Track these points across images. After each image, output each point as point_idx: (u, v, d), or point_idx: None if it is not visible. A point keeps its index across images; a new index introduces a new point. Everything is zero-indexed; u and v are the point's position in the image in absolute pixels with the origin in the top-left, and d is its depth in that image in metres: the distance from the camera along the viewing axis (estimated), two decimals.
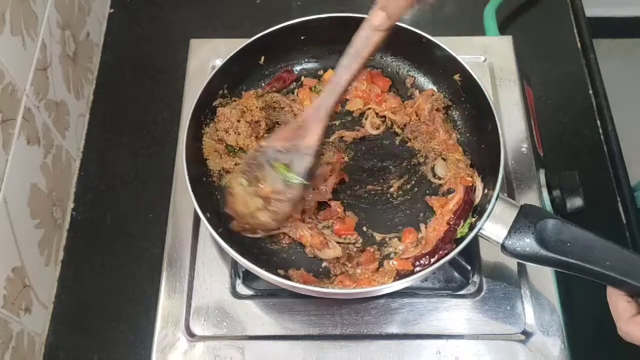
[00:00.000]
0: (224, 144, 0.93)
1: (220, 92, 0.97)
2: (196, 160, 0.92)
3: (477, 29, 1.23)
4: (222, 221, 0.89)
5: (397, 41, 0.98)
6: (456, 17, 1.30)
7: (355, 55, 0.75)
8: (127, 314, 0.99)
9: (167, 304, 0.89)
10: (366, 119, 0.98)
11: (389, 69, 1.03)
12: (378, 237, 0.90)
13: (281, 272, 0.86)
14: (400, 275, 0.84)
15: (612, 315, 0.73)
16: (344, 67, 0.76)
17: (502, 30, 1.22)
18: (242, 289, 0.92)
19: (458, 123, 0.98)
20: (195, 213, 0.86)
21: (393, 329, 0.87)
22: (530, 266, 0.90)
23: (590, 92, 1.20)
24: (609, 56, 1.54)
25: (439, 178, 0.93)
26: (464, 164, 0.92)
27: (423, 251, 0.84)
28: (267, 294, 0.91)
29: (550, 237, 0.76)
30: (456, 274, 0.94)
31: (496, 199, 0.81)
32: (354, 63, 0.76)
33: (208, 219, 0.83)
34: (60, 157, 1.05)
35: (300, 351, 0.86)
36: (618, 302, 0.72)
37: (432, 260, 0.82)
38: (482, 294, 0.89)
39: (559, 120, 1.17)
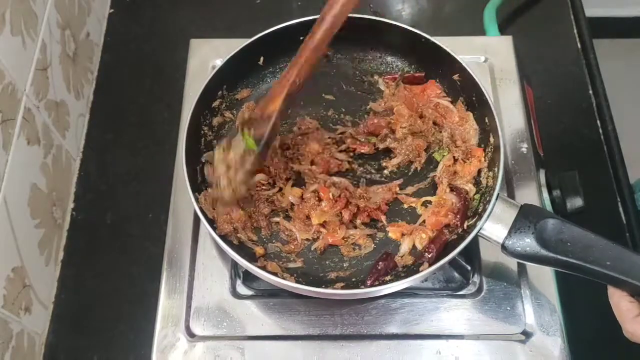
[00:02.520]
0: None
1: (220, 92, 0.97)
2: (196, 161, 0.92)
3: (477, 29, 1.23)
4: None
5: (396, 41, 0.99)
6: (456, 17, 1.30)
7: (317, 32, 0.79)
8: (127, 314, 0.99)
9: (167, 304, 0.89)
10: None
11: (389, 69, 1.03)
12: None
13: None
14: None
15: (612, 315, 0.73)
16: (305, 44, 0.79)
17: (502, 30, 1.22)
18: (242, 289, 0.91)
19: None
20: (195, 213, 0.86)
21: (393, 329, 0.87)
22: (530, 266, 0.90)
23: (590, 92, 1.20)
24: (609, 56, 1.54)
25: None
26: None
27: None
28: (267, 294, 0.91)
29: (550, 236, 0.76)
30: (456, 274, 0.94)
31: (496, 199, 0.81)
32: (313, 39, 0.79)
33: (208, 219, 0.83)
34: (60, 157, 1.05)
35: (300, 351, 0.86)
36: (620, 302, 0.71)
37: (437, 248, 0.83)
38: (482, 294, 0.89)
39: (559, 120, 1.17)
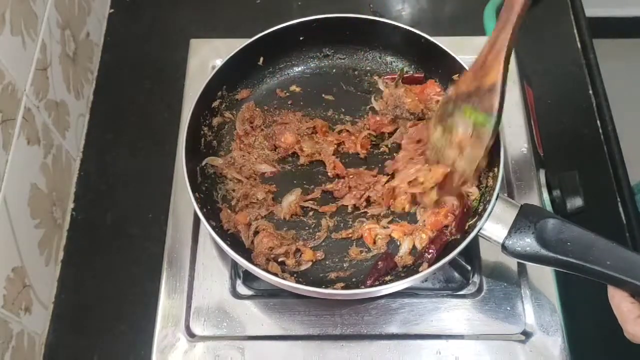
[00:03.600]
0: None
1: (220, 92, 0.97)
2: (196, 161, 0.92)
3: (477, 29, 1.23)
4: (220, 221, 0.89)
5: (396, 41, 0.99)
6: (456, 17, 1.30)
7: None
8: (127, 314, 0.99)
9: (167, 304, 0.89)
10: None
11: (388, 69, 1.03)
12: None
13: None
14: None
15: (612, 315, 0.73)
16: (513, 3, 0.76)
17: None
18: (242, 289, 0.91)
19: None
20: (195, 213, 0.86)
21: (393, 329, 0.87)
22: (531, 266, 0.90)
23: (590, 92, 1.20)
24: (609, 56, 1.54)
25: None
26: None
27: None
28: (267, 294, 0.91)
29: (550, 236, 0.76)
30: (456, 274, 0.94)
31: (496, 199, 0.81)
32: None
33: (207, 219, 0.83)
34: (60, 157, 1.05)
35: (300, 351, 0.86)
36: (621, 303, 0.71)
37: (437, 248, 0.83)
38: (482, 294, 0.89)
39: (559, 120, 1.17)
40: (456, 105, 0.80)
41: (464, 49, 1.04)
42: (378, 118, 0.96)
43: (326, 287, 0.83)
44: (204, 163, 0.93)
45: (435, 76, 0.99)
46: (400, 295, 0.88)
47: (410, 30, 0.96)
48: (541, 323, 0.87)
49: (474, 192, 0.88)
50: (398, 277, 0.83)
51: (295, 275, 0.85)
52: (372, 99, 1.00)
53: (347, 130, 0.97)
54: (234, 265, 0.92)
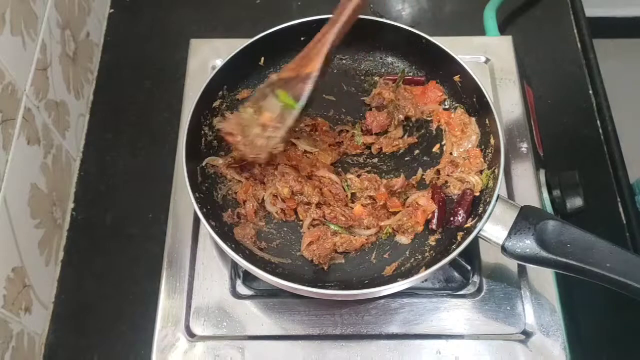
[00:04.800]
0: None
1: (220, 92, 0.97)
2: (196, 161, 0.92)
3: (477, 29, 1.23)
4: (221, 221, 0.89)
5: (397, 42, 0.99)
6: (456, 17, 1.30)
7: None
8: (127, 314, 0.99)
9: (167, 304, 0.89)
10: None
11: (389, 70, 1.03)
12: None
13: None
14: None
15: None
16: (344, 4, 0.80)
17: (502, 30, 1.22)
18: (242, 289, 0.92)
19: None
20: (195, 213, 0.86)
21: (393, 329, 0.87)
22: (530, 266, 0.90)
23: (590, 92, 1.20)
24: (609, 56, 1.54)
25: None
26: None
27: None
28: (267, 294, 0.91)
29: (550, 238, 0.76)
30: (456, 274, 0.94)
31: (496, 200, 0.81)
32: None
33: (207, 219, 0.83)
34: (60, 157, 1.05)
35: (300, 351, 0.86)
36: None
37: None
38: (482, 294, 0.89)
39: (559, 120, 1.17)
40: (272, 90, 0.84)
41: (464, 49, 1.05)
42: (379, 118, 0.97)
43: (326, 287, 0.83)
44: (204, 163, 0.93)
45: (435, 77, 0.99)
46: (400, 295, 0.88)
47: (411, 31, 0.96)
48: (541, 323, 0.87)
49: (476, 182, 0.89)
50: (399, 277, 0.83)
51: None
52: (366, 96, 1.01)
53: (347, 130, 0.98)
54: (234, 265, 0.92)
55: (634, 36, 2.34)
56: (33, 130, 0.96)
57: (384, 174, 0.95)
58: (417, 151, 0.97)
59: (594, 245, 0.74)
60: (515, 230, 0.78)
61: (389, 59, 1.03)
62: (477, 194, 0.88)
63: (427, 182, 0.93)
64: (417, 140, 0.97)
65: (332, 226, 0.88)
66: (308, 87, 0.82)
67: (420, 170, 0.95)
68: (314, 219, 0.89)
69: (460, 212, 0.86)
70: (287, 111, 0.83)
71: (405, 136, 0.98)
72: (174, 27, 1.28)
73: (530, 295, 0.89)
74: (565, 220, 0.78)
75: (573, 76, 1.22)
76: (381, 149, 0.97)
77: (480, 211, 0.84)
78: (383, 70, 1.03)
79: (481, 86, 0.90)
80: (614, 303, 0.98)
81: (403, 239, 0.89)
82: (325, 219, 0.89)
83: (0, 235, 0.86)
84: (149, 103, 1.19)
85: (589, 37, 1.24)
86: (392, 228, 0.89)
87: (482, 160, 0.91)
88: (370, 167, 0.96)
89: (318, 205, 0.90)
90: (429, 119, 0.98)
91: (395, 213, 0.90)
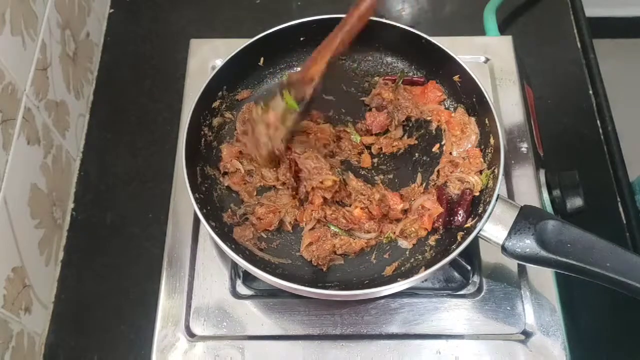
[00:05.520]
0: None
1: (220, 92, 0.97)
2: (196, 161, 0.92)
3: (477, 29, 1.23)
4: (221, 221, 0.89)
5: (396, 41, 0.99)
6: (456, 17, 1.30)
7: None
8: (127, 314, 0.99)
9: (167, 304, 0.89)
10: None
11: (389, 70, 1.03)
12: None
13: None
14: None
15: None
16: (351, 12, 0.82)
17: (502, 30, 1.22)
18: (242, 289, 0.91)
19: None
20: (195, 213, 0.86)
21: (393, 329, 0.87)
22: (530, 266, 0.90)
23: (590, 92, 1.20)
24: (609, 56, 1.54)
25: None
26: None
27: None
28: (267, 294, 0.91)
29: (550, 238, 0.76)
30: (456, 274, 0.94)
31: (496, 200, 0.81)
32: (359, 7, 0.82)
33: (207, 219, 0.83)
34: (60, 157, 1.06)
35: (300, 351, 0.86)
36: None
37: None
38: (482, 294, 0.89)
39: (559, 120, 1.17)
40: (281, 90, 0.86)
41: (464, 49, 1.05)
42: (380, 118, 0.96)
43: (326, 287, 0.83)
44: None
45: (435, 77, 0.99)
46: (400, 295, 0.88)
47: (411, 31, 0.96)
48: (541, 323, 0.87)
49: (476, 182, 0.88)
50: (399, 277, 0.83)
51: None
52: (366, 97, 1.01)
53: (346, 131, 0.98)
54: (234, 266, 0.92)
55: (634, 36, 2.35)
56: (33, 130, 0.96)
57: (384, 175, 0.95)
58: (416, 151, 0.97)
59: (594, 245, 0.74)
60: (515, 230, 0.78)
61: (389, 59, 1.03)
62: (477, 194, 0.88)
63: (431, 185, 0.93)
64: (416, 142, 0.97)
65: (332, 227, 0.88)
66: (308, 91, 0.83)
67: (419, 175, 0.95)
68: (317, 220, 0.89)
69: (460, 212, 0.86)
70: (289, 112, 0.84)
71: (405, 137, 0.98)
72: (174, 27, 1.28)
73: (530, 295, 0.89)
74: (565, 220, 0.78)
75: (573, 76, 1.22)
76: (381, 149, 0.97)
77: (480, 211, 0.85)
78: (382, 70, 1.03)
79: (481, 86, 0.90)
80: (614, 303, 0.98)
81: (405, 244, 0.89)
82: (326, 219, 0.89)
83: (0, 235, 0.86)
84: (149, 103, 1.19)
85: (589, 37, 1.24)
86: (394, 234, 0.89)
87: (482, 160, 0.91)
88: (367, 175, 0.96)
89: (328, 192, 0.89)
90: (428, 119, 0.98)
91: (398, 220, 0.90)
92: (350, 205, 0.91)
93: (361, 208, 0.89)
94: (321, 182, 0.88)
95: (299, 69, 1.02)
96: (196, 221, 0.94)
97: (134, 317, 0.98)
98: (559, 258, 0.74)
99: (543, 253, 0.75)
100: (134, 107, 1.19)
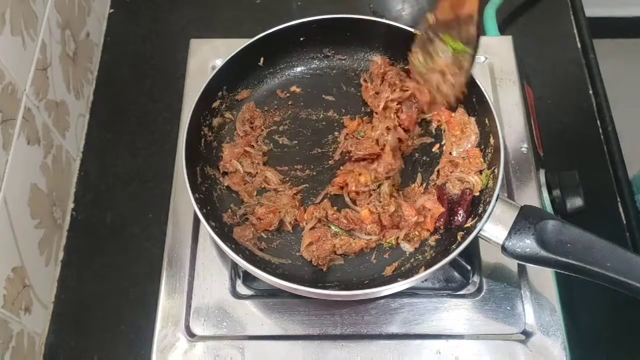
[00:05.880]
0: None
1: (220, 92, 0.97)
2: (196, 161, 0.92)
3: None
4: (221, 221, 0.89)
5: (395, 41, 0.99)
6: None
7: None
8: (127, 314, 0.99)
9: (167, 304, 0.89)
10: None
11: (388, 69, 1.03)
12: None
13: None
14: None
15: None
16: None
17: (502, 30, 1.22)
18: (242, 289, 0.91)
19: None
20: (195, 213, 0.86)
21: (393, 329, 0.87)
22: (531, 266, 0.90)
23: (590, 92, 1.20)
24: (609, 56, 1.54)
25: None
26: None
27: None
28: (267, 294, 0.91)
29: (550, 238, 0.76)
30: (456, 274, 0.94)
31: (496, 200, 0.81)
32: None
33: (207, 219, 0.83)
34: (60, 157, 1.06)
35: (300, 351, 0.86)
36: None
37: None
38: (482, 294, 0.89)
39: (559, 120, 1.17)
40: (435, 34, 0.82)
41: None
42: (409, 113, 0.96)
43: (326, 287, 0.83)
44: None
45: None
46: (400, 295, 0.88)
47: (410, 31, 0.95)
48: (541, 323, 0.87)
49: (476, 182, 0.88)
50: (399, 277, 0.83)
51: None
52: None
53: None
54: (234, 266, 0.92)
55: (634, 36, 2.35)
56: (33, 130, 0.96)
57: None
58: (416, 151, 0.97)
59: (594, 245, 0.74)
60: (515, 230, 0.78)
61: (388, 59, 1.03)
62: (477, 193, 0.88)
63: (432, 185, 0.93)
64: (432, 140, 0.96)
65: (332, 227, 0.88)
66: (472, 31, 0.78)
67: (419, 175, 0.94)
68: (318, 219, 0.89)
69: (460, 212, 0.86)
70: (461, 56, 0.80)
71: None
72: (174, 27, 1.28)
73: (530, 295, 0.89)
74: (565, 220, 0.78)
75: (573, 76, 1.22)
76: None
77: (480, 211, 0.85)
78: (382, 70, 1.02)
79: (481, 86, 0.90)
80: (614, 303, 0.98)
81: (407, 246, 0.89)
82: (327, 219, 0.89)
83: (0, 235, 0.86)
84: (149, 103, 1.19)
85: (589, 37, 1.24)
86: (398, 238, 0.89)
87: (482, 160, 0.91)
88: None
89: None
90: (428, 119, 0.98)
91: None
92: (355, 203, 0.91)
93: (370, 211, 0.89)
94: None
95: (299, 68, 1.03)
96: (196, 221, 0.94)
97: (134, 317, 0.98)
98: (559, 258, 0.74)
99: (543, 253, 0.75)
100: (134, 107, 1.19)
